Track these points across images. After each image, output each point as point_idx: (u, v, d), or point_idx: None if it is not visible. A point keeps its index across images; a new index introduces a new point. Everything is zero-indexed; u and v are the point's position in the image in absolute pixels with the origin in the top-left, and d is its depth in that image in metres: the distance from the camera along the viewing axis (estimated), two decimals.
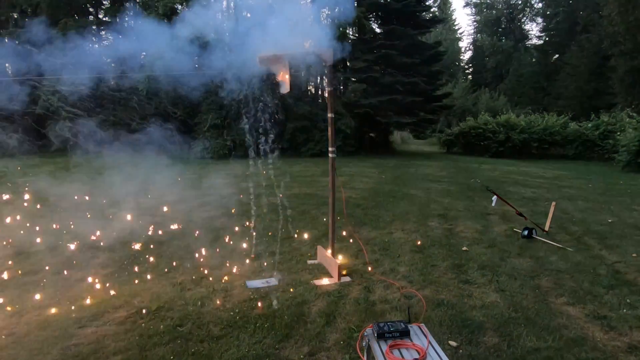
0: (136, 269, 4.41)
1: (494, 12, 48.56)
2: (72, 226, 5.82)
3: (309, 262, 4.65)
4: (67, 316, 3.36)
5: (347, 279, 4.16)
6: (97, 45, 16.73)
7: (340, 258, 4.60)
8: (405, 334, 2.22)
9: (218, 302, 3.62)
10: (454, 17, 53.55)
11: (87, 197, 7.41)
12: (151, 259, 4.70)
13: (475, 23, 51.46)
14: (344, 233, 5.70)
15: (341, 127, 17.64)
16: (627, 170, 14.03)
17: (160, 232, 5.74)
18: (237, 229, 5.90)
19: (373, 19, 21.93)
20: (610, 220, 6.69)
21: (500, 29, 48.05)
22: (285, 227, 5.88)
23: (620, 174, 13.27)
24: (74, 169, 10.93)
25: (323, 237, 5.45)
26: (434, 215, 6.99)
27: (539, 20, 45.23)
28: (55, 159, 13.63)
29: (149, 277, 4.20)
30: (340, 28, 15.14)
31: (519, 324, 3.26)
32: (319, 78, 21.09)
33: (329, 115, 4.30)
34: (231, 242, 5.32)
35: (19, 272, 4.28)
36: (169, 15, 15.10)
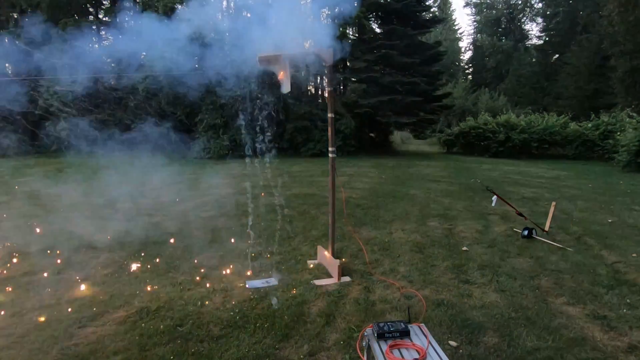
0: (136, 269, 4.41)
1: (494, 12, 48.58)
2: (71, 226, 5.81)
3: (309, 262, 4.65)
4: (66, 316, 3.36)
5: (347, 278, 4.16)
6: (96, 46, 16.73)
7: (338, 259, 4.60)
8: (405, 334, 2.22)
9: (218, 302, 3.62)
10: (454, 17, 53.64)
11: (86, 197, 7.41)
12: (151, 259, 4.70)
13: (475, 23, 51.52)
14: (344, 233, 5.70)
15: (341, 127, 17.64)
16: (627, 170, 14.01)
17: (160, 232, 5.73)
18: (237, 229, 5.90)
19: (373, 18, 21.94)
20: (610, 220, 6.69)
21: (500, 29, 48.07)
22: (285, 227, 5.88)
23: (620, 174, 13.25)
24: (72, 169, 10.94)
25: (323, 237, 5.45)
26: (434, 215, 6.99)
27: (539, 20, 45.30)
28: (53, 160, 13.63)
29: (148, 277, 4.20)
30: (341, 28, 15.14)
31: (519, 324, 3.26)
32: (318, 78, 21.10)
33: (329, 115, 4.29)
34: (231, 242, 5.32)
35: (19, 272, 4.28)
36: (169, 15, 15.10)
